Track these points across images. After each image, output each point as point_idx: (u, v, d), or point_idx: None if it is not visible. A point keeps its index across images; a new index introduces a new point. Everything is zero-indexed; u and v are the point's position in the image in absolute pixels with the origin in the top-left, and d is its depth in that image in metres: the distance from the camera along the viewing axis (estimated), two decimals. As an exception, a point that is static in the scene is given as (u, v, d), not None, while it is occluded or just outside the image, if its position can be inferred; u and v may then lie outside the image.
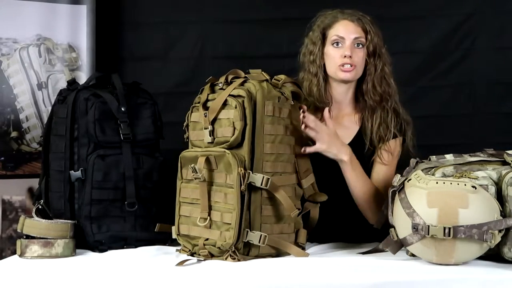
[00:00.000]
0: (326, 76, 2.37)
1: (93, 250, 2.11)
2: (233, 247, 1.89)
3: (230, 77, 2.01)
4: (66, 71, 3.04)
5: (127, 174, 2.14)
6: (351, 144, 2.30)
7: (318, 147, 2.09)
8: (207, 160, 1.94)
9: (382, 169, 2.29)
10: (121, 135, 2.17)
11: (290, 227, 1.98)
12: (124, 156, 2.16)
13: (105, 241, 2.12)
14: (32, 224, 2.03)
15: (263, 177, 1.91)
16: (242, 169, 1.90)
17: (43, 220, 2.05)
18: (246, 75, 1.99)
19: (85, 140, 2.16)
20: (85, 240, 2.11)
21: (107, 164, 2.14)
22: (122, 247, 2.14)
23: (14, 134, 2.97)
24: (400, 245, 1.91)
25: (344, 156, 2.15)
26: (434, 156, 2.04)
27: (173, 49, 3.21)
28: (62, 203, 2.17)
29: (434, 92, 3.13)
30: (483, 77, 3.12)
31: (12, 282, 1.82)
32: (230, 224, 1.89)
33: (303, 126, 2.06)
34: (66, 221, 2.08)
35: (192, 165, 1.94)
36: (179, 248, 2.06)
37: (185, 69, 3.20)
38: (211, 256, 1.93)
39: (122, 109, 2.17)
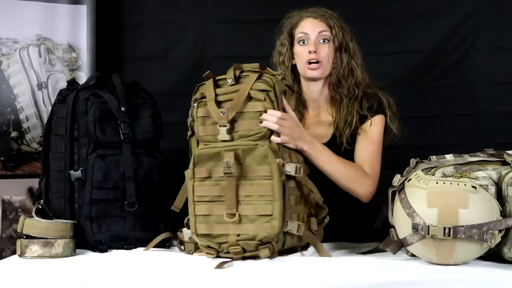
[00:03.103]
0: (298, 77, 2.41)
1: (93, 250, 2.11)
2: (276, 238, 1.90)
3: (237, 72, 2.00)
4: (66, 71, 3.04)
5: (127, 174, 2.14)
6: (331, 140, 2.32)
7: (281, 139, 2.00)
8: (236, 155, 1.92)
9: (359, 152, 2.29)
10: (121, 135, 2.17)
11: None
12: (124, 156, 2.16)
13: (105, 241, 2.12)
14: (32, 224, 2.03)
15: (296, 166, 1.94)
16: (280, 159, 1.92)
17: (43, 220, 2.05)
18: (257, 69, 1.99)
19: (85, 140, 2.16)
20: (85, 240, 2.11)
21: (107, 164, 2.14)
22: (122, 247, 2.14)
23: (14, 134, 2.97)
24: (400, 245, 1.91)
25: (303, 144, 2.08)
26: (434, 156, 2.04)
27: (173, 49, 3.21)
28: (62, 203, 2.17)
29: (434, 92, 3.13)
30: (483, 77, 3.12)
31: (12, 282, 1.82)
32: (272, 215, 1.89)
33: (264, 123, 1.97)
34: (66, 221, 2.08)
35: (226, 160, 1.90)
36: (183, 247, 2.05)
37: (185, 69, 3.20)
38: (243, 251, 1.91)
39: (122, 109, 2.17)
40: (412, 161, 2.07)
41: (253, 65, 2.01)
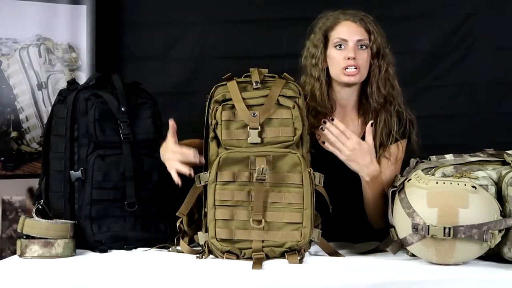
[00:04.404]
0: (329, 80, 2.32)
1: (93, 250, 2.11)
2: (306, 246, 1.92)
3: (261, 76, 2.00)
4: (66, 71, 3.04)
5: (127, 174, 2.14)
6: None
7: (338, 155, 2.09)
8: (268, 160, 1.91)
9: (385, 174, 2.26)
10: (121, 135, 2.17)
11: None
12: (124, 156, 2.16)
13: (105, 241, 2.12)
14: (32, 224, 2.03)
15: (320, 175, 1.97)
16: (310, 168, 1.94)
17: (43, 220, 2.05)
18: (282, 76, 2.01)
19: (85, 140, 2.16)
20: (85, 240, 2.11)
21: (107, 164, 2.14)
22: (122, 247, 2.14)
23: (14, 134, 2.97)
24: (400, 245, 1.91)
25: (365, 175, 2.13)
26: (434, 156, 2.05)
27: (173, 49, 3.21)
28: (62, 203, 2.16)
29: (434, 92, 3.14)
30: (483, 77, 3.12)
31: (12, 282, 1.82)
32: (302, 223, 1.91)
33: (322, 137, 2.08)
34: (66, 221, 2.08)
35: (260, 165, 1.89)
36: (198, 253, 2.01)
37: (185, 69, 3.20)
38: (266, 258, 1.91)
39: (122, 109, 2.17)
40: (412, 161, 2.07)
41: (263, 70, 2.02)
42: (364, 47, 2.26)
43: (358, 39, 2.25)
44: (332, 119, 2.06)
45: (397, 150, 2.29)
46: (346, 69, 2.24)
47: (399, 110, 2.31)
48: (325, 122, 2.05)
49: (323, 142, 2.04)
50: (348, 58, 2.23)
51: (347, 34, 2.26)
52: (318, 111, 2.28)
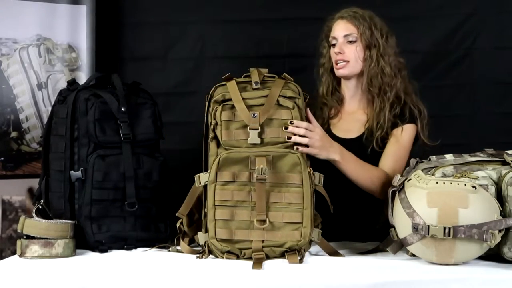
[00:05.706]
0: (336, 76, 2.44)
1: (93, 250, 2.11)
2: (306, 246, 1.93)
3: (261, 76, 2.00)
4: (66, 71, 3.04)
5: (127, 174, 2.14)
6: (359, 138, 2.35)
7: (310, 150, 2.02)
8: (268, 160, 1.92)
9: (386, 156, 2.31)
10: (121, 135, 2.16)
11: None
12: (124, 156, 2.16)
13: (105, 241, 2.11)
14: (32, 224, 2.03)
15: (319, 175, 1.98)
16: (311, 168, 1.95)
17: (43, 220, 2.05)
18: (282, 76, 2.01)
19: (85, 140, 2.16)
20: (85, 240, 2.11)
21: (107, 164, 2.14)
22: (122, 247, 2.14)
23: (14, 134, 2.97)
24: (400, 245, 1.91)
25: (334, 155, 2.10)
26: (434, 156, 2.05)
27: (173, 49, 3.21)
28: (62, 203, 2.16)
29: (434, 92, 3.13)
30: (483, 77, 3.13)
31: (12, 282, 1.82)
32: (302, 223, 1.91)
33: (290, 136, 1.98)
34: (66, 221, 2.08)
35: (260, 166, 1.90)
36: (198, 253, 2.00)
37: (185, 69, 3.20)
38: (267, 258, 1.91)
39: (122, 109, 2.17)
40: (412, 161, 2.07)
41: (263, 70, 2.02)
42: (353, 41, 2.37)
43: (344, 34, 2.38)
44: (291, 122, 1.98)
45: (399, 132, 2.33)
46: (337, 64, 2.38)
47: (399, 95, 2.37)
48: (286, 128, 1.96)
49: (297, 148, 1.96)
50: (336, 53, 2.37)
51: (336, 32, 2.40)
52: (324, 102, 2.44)
